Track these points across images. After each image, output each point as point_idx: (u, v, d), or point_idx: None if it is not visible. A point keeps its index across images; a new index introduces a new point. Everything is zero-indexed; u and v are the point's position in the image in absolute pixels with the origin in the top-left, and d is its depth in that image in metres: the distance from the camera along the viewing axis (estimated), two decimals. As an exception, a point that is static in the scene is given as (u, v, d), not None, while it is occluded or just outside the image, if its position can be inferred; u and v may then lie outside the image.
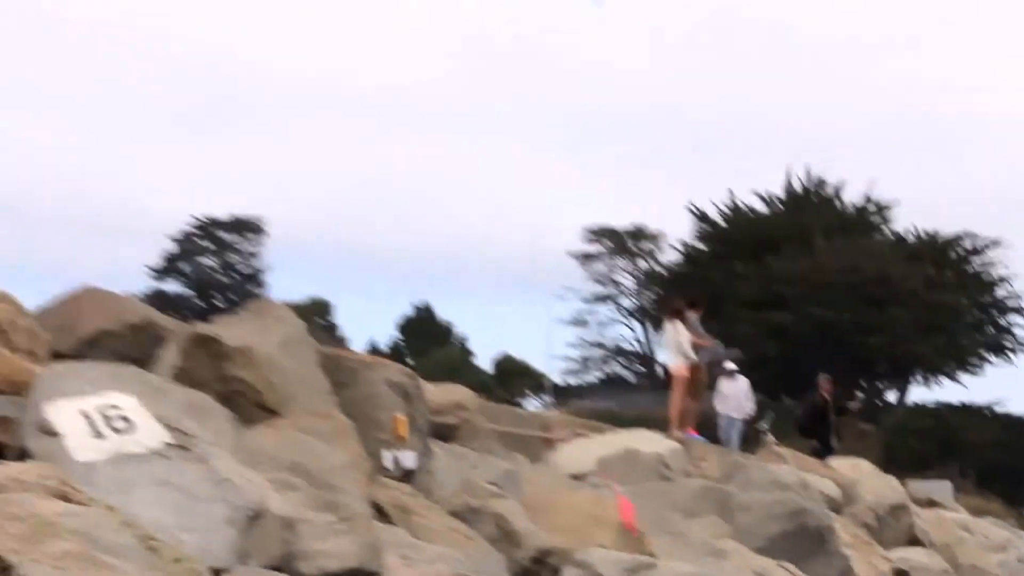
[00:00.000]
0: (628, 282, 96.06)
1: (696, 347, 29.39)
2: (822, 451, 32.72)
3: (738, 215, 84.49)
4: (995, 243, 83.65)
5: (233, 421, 11.22)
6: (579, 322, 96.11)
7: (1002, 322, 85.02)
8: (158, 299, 79.17)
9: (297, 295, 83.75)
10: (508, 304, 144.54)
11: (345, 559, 10.02)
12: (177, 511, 9.09)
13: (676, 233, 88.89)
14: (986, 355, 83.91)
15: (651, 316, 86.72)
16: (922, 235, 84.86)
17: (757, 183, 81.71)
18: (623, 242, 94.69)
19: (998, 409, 75.99)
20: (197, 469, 9.59)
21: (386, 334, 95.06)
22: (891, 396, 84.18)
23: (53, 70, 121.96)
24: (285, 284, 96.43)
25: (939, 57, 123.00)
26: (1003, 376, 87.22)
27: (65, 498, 8.16)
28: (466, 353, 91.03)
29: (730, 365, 32.55)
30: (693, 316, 30.49)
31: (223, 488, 9.43)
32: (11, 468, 8.65)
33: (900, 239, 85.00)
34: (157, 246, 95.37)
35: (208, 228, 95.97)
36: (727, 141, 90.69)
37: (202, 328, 13.67)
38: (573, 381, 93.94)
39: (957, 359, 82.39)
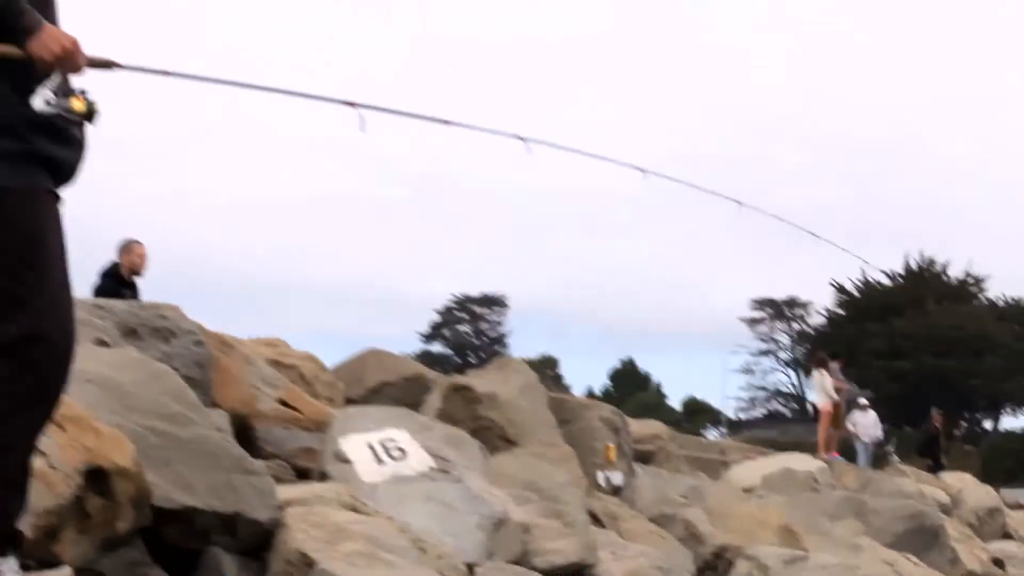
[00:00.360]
0: (785, 339, 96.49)
1: (837, 389, 29.72)
2: (934, 468, 32.10)
3: (868, 287, 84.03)
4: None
5: (482, 450, 11.16)
6: (747, 371, 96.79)
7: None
8: (426, 357, 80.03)
9: (531, 353, 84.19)
10: (693, 357, 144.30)
11: (569, 555, 9.91)
12: (440, 520, 9.05)
13: (821, 301, 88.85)
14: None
15: (802, 365, 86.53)
16: (1009, 300, 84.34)
17: (882, 262, 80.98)
18: (781, 309, 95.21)
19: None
20: (455, 487, 9.55)
21: (599, 382, 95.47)
22: (988, 424, 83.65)
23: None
24: (522, 344, 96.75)
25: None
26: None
27: (355, 510, 8.15)
28: (661, 396, 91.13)
29: (863, 401, 32.22)
30: (835, 365, 30.85)
31: (475, 502, 9.38)
32: (315, 487, 8.70)
33: (992, 304, 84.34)
34: (425, 317, 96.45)
35: (463, 303, 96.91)
36: (857, 226, 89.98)
37: (459, 379, 13.68)
38: (743, 416, 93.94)
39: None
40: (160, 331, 9.50)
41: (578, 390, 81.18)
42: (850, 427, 31.28)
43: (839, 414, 29.98)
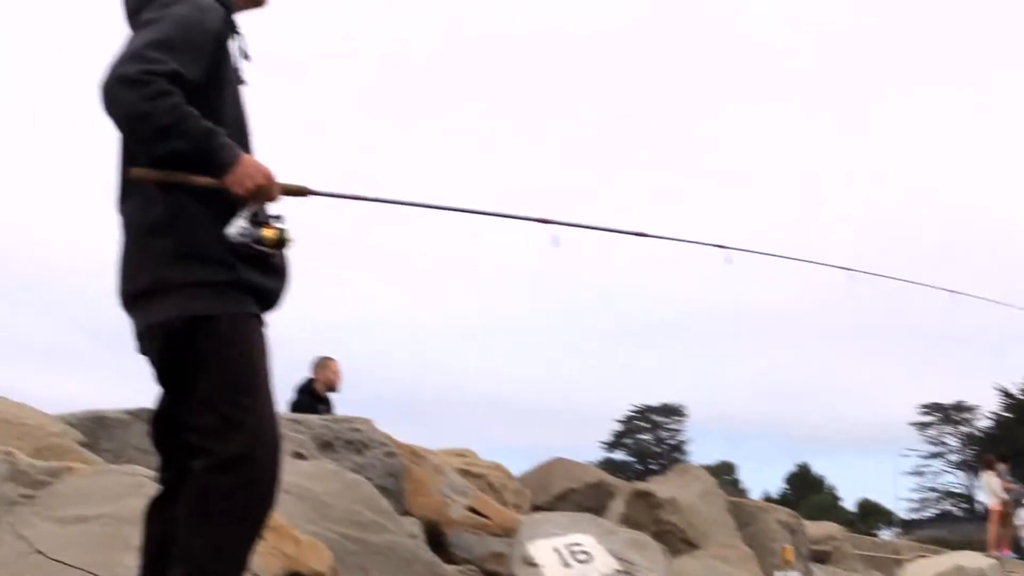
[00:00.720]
0: (953, 442, 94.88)
1: (1006, 489, 29.06)
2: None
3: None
4: None
5: (665, 553, 10.96)
6: (918, 473, 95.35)
7: None
8: (608, 465, 79.75)
9: (710, 459, 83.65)
10: (865, 460, 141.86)
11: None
12: (625, 620, 8.89)
13: (987, 405, 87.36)
14: None
15: (971, 467, 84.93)
16: None
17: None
18: (948, 413, 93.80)
19: None
20: (639, 589, 9.39)
21: (776, 486, 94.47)
22: None
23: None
24: (701, 451, 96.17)
25: None
26: None
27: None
28: (835, 498, 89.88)
29: (1031, 501, 31.44)
30: (1002, 467, 30.19)
31: (658, 603, 9.21)
32: (504, 590, 8.57)
33: None
34: (607, 427, 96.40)
35: (644, 413, 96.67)
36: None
37: (641, 485, 13.55)
38: (915, 516, 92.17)
39: None
40: (354, 443, 9.49)
41: (755, 494, 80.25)
42: (1019, 525, 30.44)
43: (1008, 513, 29.31)
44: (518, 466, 13.53)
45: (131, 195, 4.38)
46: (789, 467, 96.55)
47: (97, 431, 8.71)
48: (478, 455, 12.94)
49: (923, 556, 25.83)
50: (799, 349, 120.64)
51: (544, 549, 9.64)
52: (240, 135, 4.47)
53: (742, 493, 65.36)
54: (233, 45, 4.45)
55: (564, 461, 14.91)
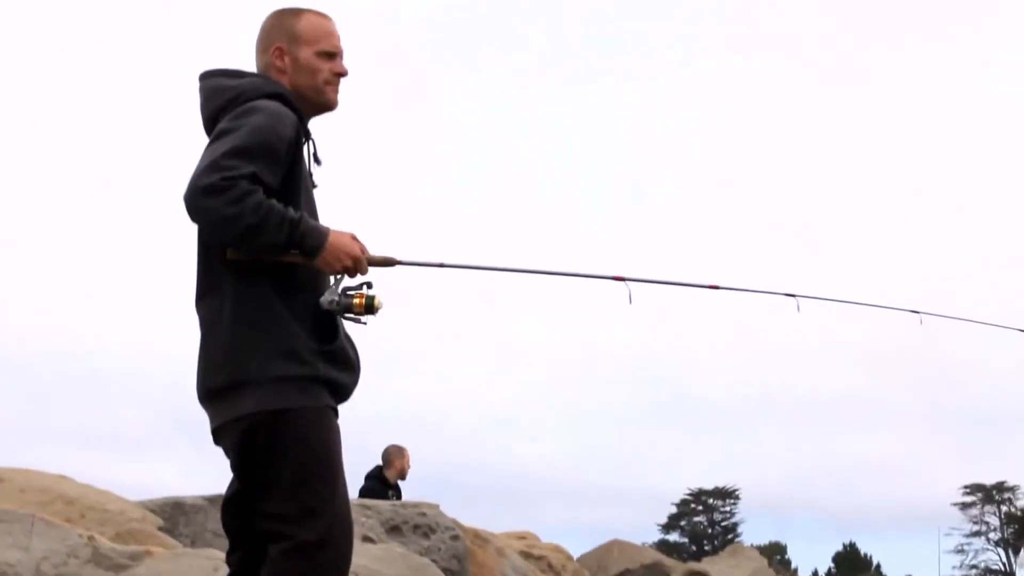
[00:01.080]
0: (994, 521, 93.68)
1: None
2: None
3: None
4: None
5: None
6: (960, 551, 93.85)
7: None
8: (664, 546, 79.20)
9: (761, 540, 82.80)
10: (910, 540, 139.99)
11: None
12: None
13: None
14: None
15: (1011, 545, 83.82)
16: None
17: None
18: (990, 493, 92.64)
19: None
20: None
21: (824, 565, 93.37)
22: None
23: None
24: (753, 531, 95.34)
25: None
26: None
27: None
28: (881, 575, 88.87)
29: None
30: None
31: None
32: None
33: None
34: (664, 510, 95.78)
35: (699, 495, 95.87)
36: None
37: (695, 566, 13.46)
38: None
39: None
40: (420, 527, 9.45)
41: (805, 573, 79.30)
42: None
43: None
44: (577, 547, 13.40)
45: (210, 292, 4.39)
46: (837, 546, 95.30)
47: (176, 516, 8.70)
48: (539, 537, 12.85)
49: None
50: (846, 431, 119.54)
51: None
52: (309, 202, 4.49)
53: (792, 572, 64.58)
54: (305, 151, 4.45)
55: (621, 543, 14.83)
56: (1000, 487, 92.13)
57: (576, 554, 13.39)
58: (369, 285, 4.38)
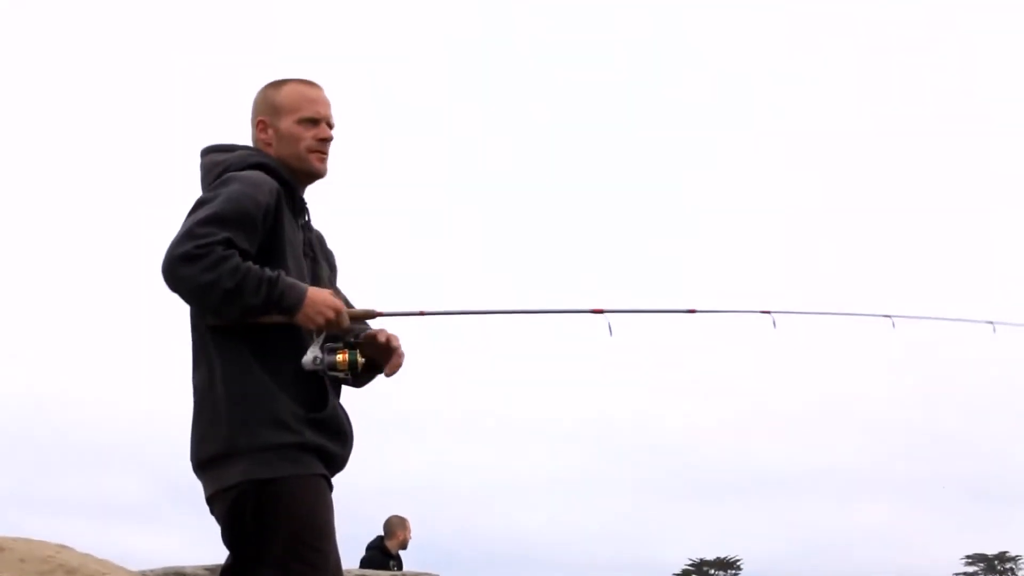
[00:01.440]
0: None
1: None
2: None
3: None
4: None
5: None
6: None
7: None
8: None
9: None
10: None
11: None
12: None
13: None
14: None
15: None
16: None
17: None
18: (992, 563, 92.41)
19: None
20: None
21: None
22: None
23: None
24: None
25: None
26: None
27: None
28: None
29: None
30: None
31: None
32: None
33: None
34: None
35: (700, 565, 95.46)
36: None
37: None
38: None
39: None
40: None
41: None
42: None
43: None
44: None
45: (199, 362, 4.41)
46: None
47: (176, 586, 8.63)
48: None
49: None
50: (847, 502, 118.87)
51: None
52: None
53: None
54: (288, 218, 4.44)
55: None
56: (1002, 557, 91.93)
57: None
58: (351, 344, 4.37)
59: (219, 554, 4.47)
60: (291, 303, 4.20)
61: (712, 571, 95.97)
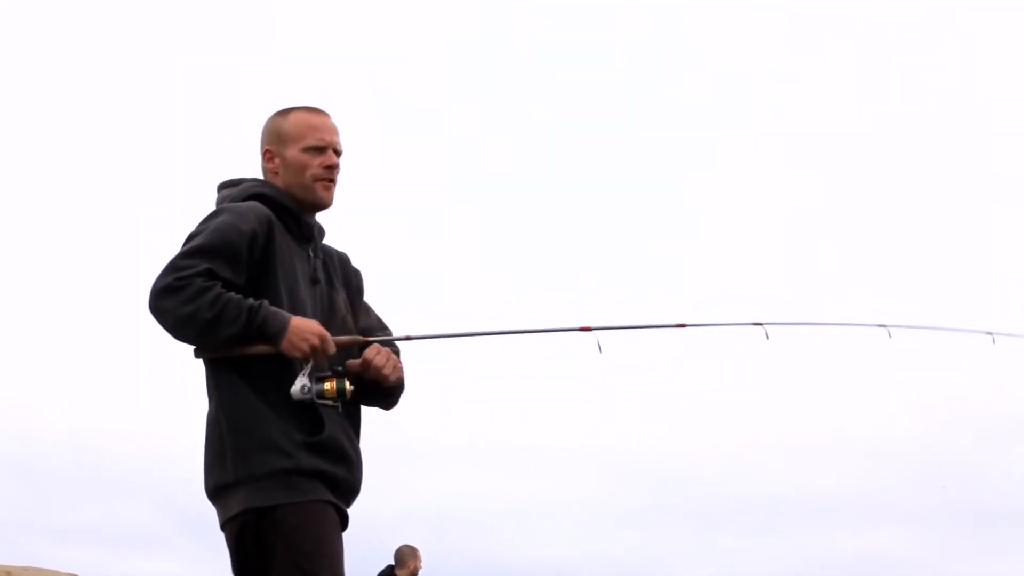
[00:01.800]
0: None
1: None
2: None
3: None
4: None
5: None
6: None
7: None
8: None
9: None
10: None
11: None
12: None
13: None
14: None
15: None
16: None
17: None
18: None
19: None
20: None
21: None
22: None
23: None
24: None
25: None
26: None
27: None
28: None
29: None
30: None
31: None
32: None
33: None
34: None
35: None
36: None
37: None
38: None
39: None
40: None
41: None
42: None
43: None
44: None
45: (209, 394, 4.43)
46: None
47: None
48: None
49: None
50: (849, 523, 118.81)
51: None
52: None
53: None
54: (286, 245, 4.44)
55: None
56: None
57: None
58: (339, 373, 4.36)
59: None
60: (273, 331, 4.21)
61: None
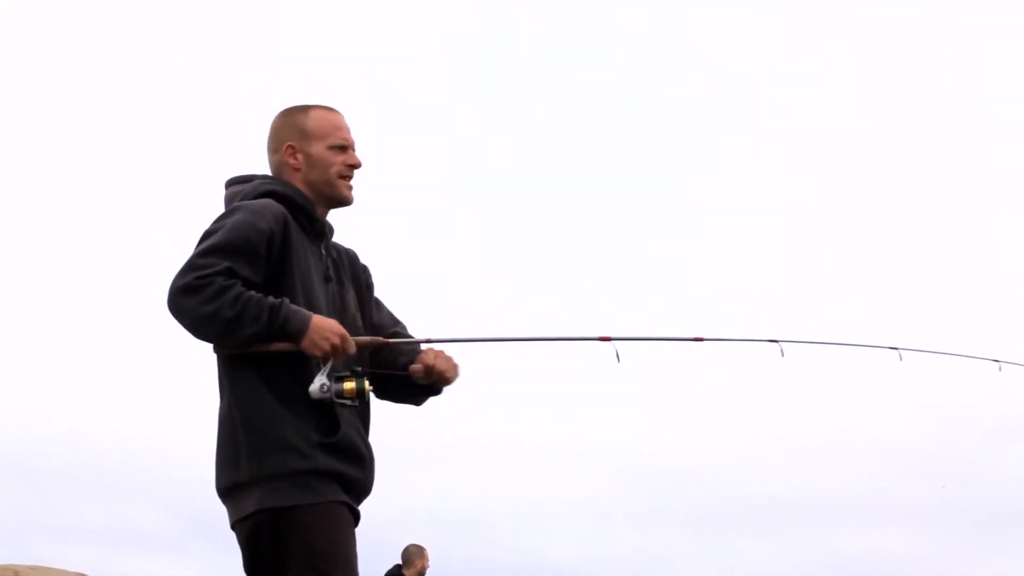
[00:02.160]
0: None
1: None
2: None
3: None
4: None
5: None
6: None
7: None
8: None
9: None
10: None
11: None
12: None
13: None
14: None
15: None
16: None
17: None
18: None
19: None
20: None
21: None
22: None
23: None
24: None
25: None
26: None
27: None
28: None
29: None
30: None
31: None
32: None
33: None
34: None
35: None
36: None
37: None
38: None
39: None
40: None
41: None
42: None
43: None
44: None
45: (221, 391, 4.42)
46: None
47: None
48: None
49: None
50: (858, 530, 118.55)
51: None
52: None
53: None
54: (301, 243, 4.45)
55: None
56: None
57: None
58: (357, 372, 4.36)
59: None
60: (295, 330, 4.21)
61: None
